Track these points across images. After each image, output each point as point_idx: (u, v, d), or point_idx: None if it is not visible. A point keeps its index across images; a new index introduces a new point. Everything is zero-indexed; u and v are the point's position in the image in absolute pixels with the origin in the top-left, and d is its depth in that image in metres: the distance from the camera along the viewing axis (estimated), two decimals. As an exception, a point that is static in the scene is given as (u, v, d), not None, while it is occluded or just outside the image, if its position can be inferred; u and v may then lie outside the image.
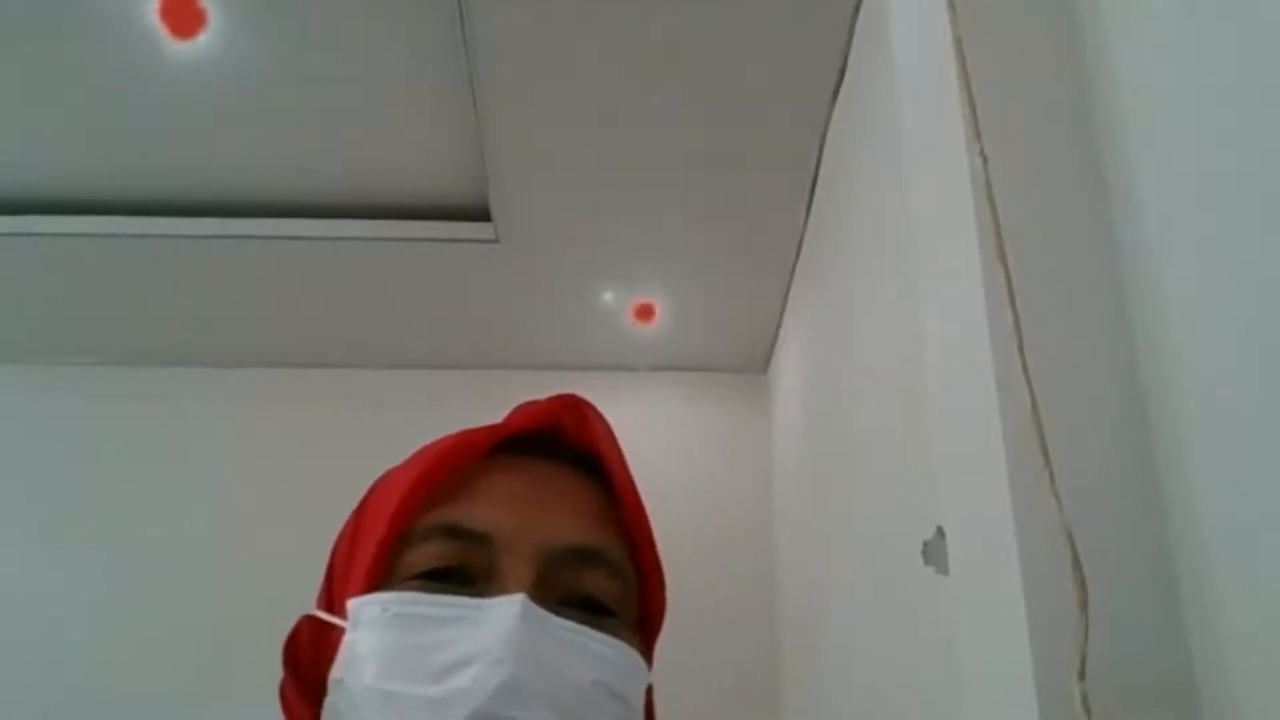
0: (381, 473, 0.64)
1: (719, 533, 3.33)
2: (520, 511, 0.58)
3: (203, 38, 2.28)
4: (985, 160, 0.93)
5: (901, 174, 1.53)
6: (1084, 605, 0.76)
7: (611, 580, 0.58)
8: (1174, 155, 0.85)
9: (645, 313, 3.30)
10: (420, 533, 0.57)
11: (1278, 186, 0.70)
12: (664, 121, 2.46)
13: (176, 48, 2.31)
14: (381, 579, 0.57)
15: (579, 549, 0.58)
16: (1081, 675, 0.74)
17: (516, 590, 0.54)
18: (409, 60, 2.37)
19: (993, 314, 0.90)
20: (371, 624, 0.55)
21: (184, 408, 3.49)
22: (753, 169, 2.60)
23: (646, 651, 0.60)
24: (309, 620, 0.59)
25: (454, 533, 0.57)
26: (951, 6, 1.02)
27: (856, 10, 2.12)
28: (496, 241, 2.87)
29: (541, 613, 0.53)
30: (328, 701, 0.56)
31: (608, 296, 3.21)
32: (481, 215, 2.81)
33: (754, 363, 3.56)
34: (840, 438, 2.32)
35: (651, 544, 0.63)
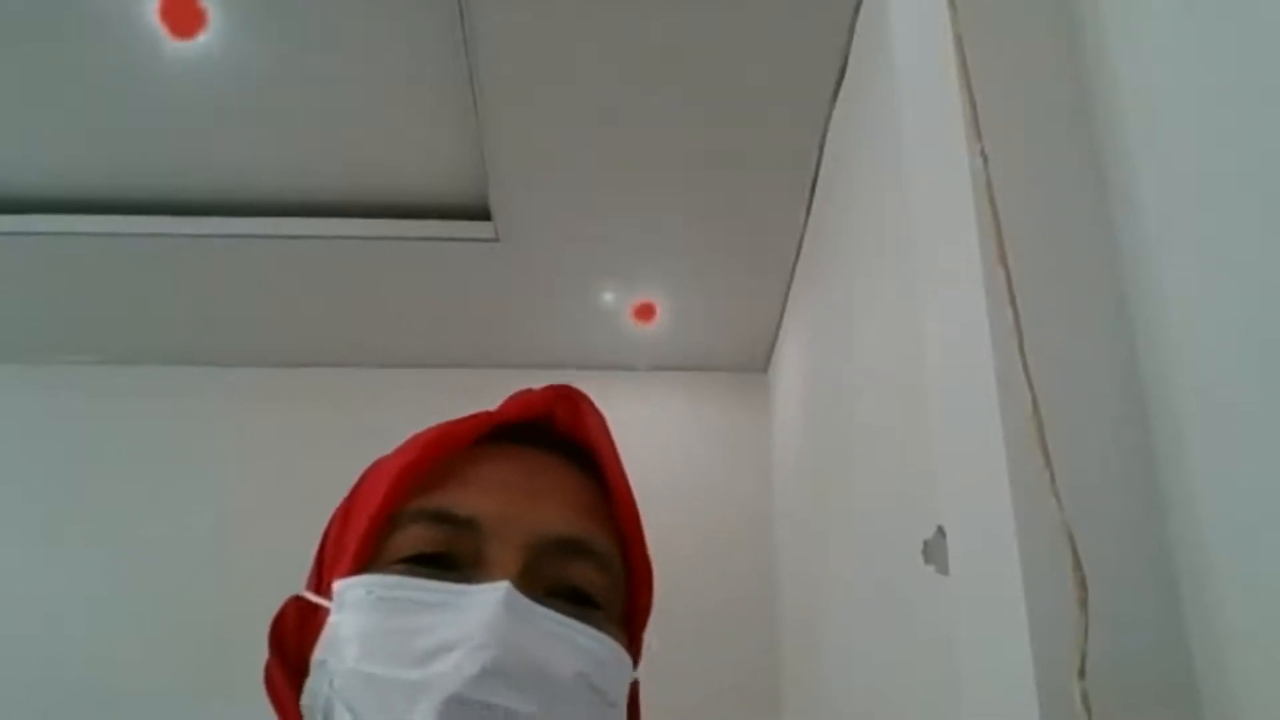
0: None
1: (719, 532, 3.33)
2: (509, 500, 0.57)
3: (203, 38, 2.28)
4: (985, 160, 0.94)
5: (901, 174, 1.53)
6: (1084, 604, 0.76)
7: (599, 573, 0.58)
8: (1174, 155, 0.85)
9: (645, 312, 3.30)
10: (408, 517, 0.57)
11: (1278, 186, 0.70)
12: (664, 121, 2.46)
13: (176, 48, 2.31)
14: (368, 562, 0.57)
15: (567, 540, 0.57)
16: (1081, 674, 0.74)
17: (502, 578, 0.54)
18: (409, 60, 2.37)
19: (993, 314, 0.90)
20: (356, 606, 0.54)
21: (185, 407, 3.49)
22: (753, 169, 2.60)
23: (632, 647, 0.60)
24: (296, 601, 0.59)
25: (441, 518, 0.57)
26: (952, 6, 1.02)
27: (856, 10, 2.12)
28: (496, 241, 2.87)
29: (526, 601, 0.53)
30: (308, 683, 0.56)
31: (608, 296, 3.21)
32: (481, 214, 2.81)
33: (754, 362, 3.56)
34: (840, 437, 2.32)
35: (641, 539, 0.62)
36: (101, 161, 2.71)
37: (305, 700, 0.56)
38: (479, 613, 0.52)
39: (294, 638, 0.58)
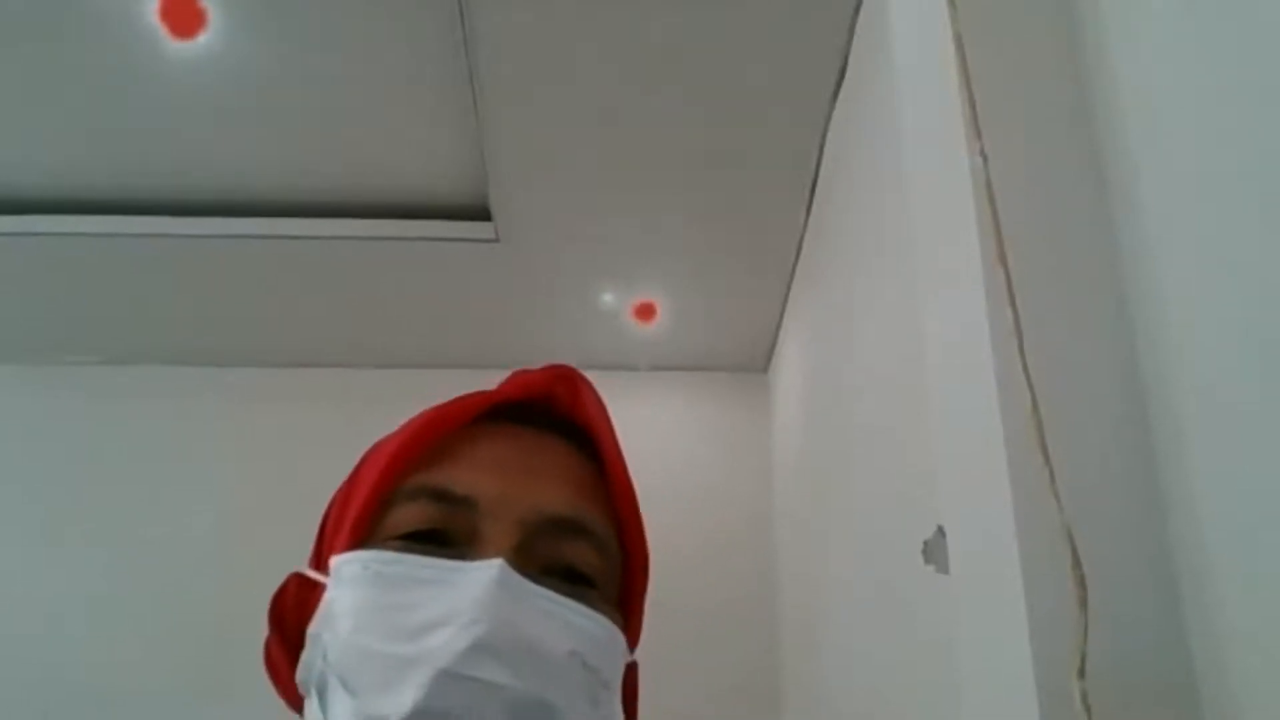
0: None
1: (719, 532, 3.33)
2: (506, 478, 0.58)
3: (203, 38, 2.28)
4: (985, 160, 0.94)
5: (901, 174, 1.53)
6: (1084, 604, 0.76)
7: (595, 553, 0.58)
8: (1174, 155, 0.85)
9: (645, 313, 3.30)
10: (406, 494, 0.58)
11: (1278, 186, 0.70)
12: (664, 121, 2.46)
13: (176, 48, 2.31)
14: (365, 538, 0.57)
15: (563, 519, 0.58)
16: (1081, 674, 0.74)
17: (496, 555, 0.54)
18: (409, 60, 2.37)
19: (993, 314, 0.90)
20: (352, 581, 0.55)
21: (185, 407, 3.49)
22: (753, 169, 2.60)
23: (628, 628, 0.60)
24: (297, 577, 0.59)
25: (438, 495, 0.57)
26: (952, 6, 1.02)
27: (856, 10, 2.12)
28: (496, 241, 2.87)
29: (519, 579, 0.53)
30: (303, 656, 0.56)
31: (608, 296, 3.21)
32: (481, 215, 2.81)
33: (754, 362, 3.56)
34: (840, 437, 2.32)
35: (637, 520, 0.62)
36: (102, 162, 2.71)
37: (300, 674, 0.56)
38: (472, 589, 0.52)
39: (293, 614, 0.58)
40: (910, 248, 1.38)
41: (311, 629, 0.56)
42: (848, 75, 2.26)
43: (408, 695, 0.49)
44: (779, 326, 3.31)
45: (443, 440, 0.59)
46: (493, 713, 0.50)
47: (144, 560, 3.27)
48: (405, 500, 0.57)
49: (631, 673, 0.60)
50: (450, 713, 0.49)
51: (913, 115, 1.28)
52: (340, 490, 0.62)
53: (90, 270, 3.04)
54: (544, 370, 0.64)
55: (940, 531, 1.22)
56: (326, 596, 0.56)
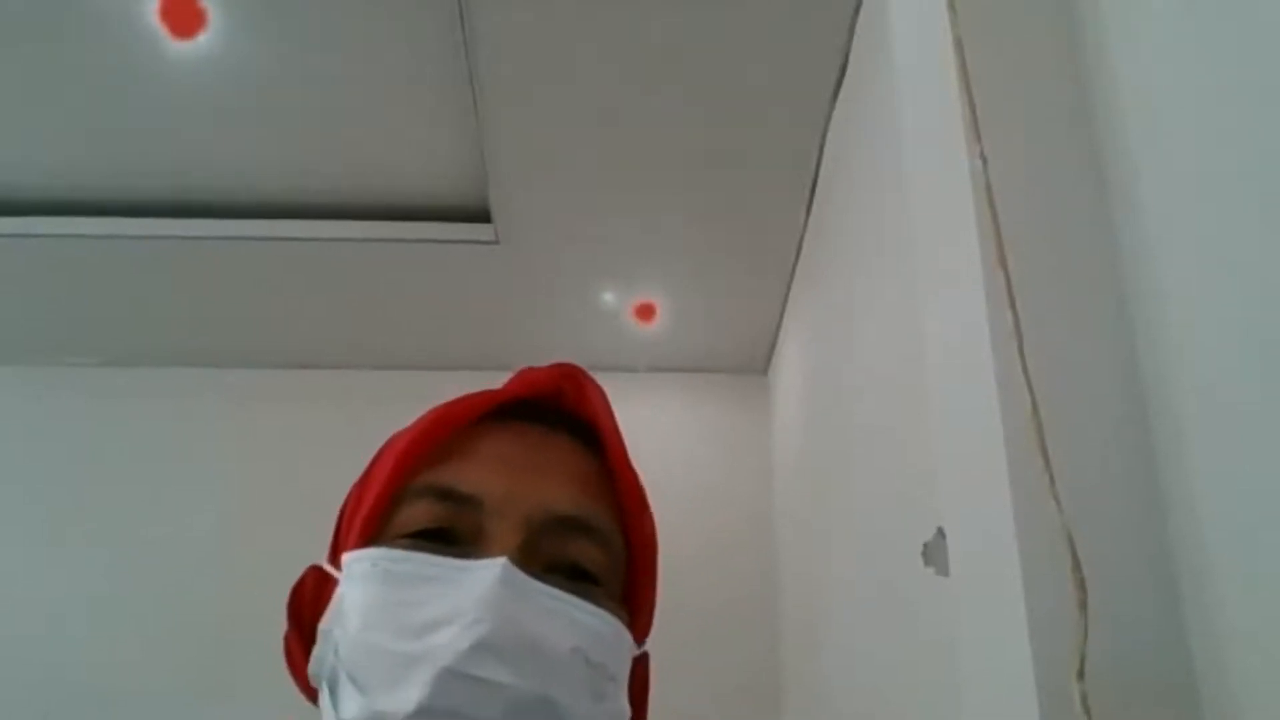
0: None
1: (720, 533, 3.33)
2: (512, 476, 0.58)
3: (203, 38, 2.28)
4: (985, 162, 0.93)
5: (901, 174, 1.53)
6: (1083, 605, 0.76)
7: (599, 550, 0.59)
8: (1174, 155, 0.85)
9: (645, 313, 3.30)
10: (414, 492, 0.58)
11: (1278, 186, 0.70)
12: (664, 121, 2.46)
13: (176, 48, 2.31)
14: (375, 535, 0.58)
15: (568, 517, 0.58)
16: (1081, 675, 0.74)
17: (501, 554, 0.54)
18: (409, 60, 2.37)
19: (992, 315, 0.90)
20: (361, 578, 0.56)
21: (185, 408, 3.49)
22: (753, 169, 2.60)
23: (635, 623, 0.61)
24: (315, 571, 0.60)
25: (444, 494, 0.58)
26: (951, 7, 1.02)
27: (856, 10, 2.12)
28: (496, 243, 2.87)
29: (522, 577, 0.54)
30: (315, 650, 0.57)
31: (608, 296, 3.21)
32: (481, 216, 2.81)
33: (754, 363, 3.56)
34: (840, 437, 2.32)
35: (642, 515, 0.63)
36: (102, 162, 2.71)
37: (312, 668, 0.57)
38: (475, 588, 0.53)
39: (310, 608, 0.59)
40: (910, 248, 1.38)
41: (323, 624, 0.57)
42: (848, 75, 2.26)
43: (412, 693, 0.50)
44: (779, 327, 3.31)
45: (451, 438, 0.60)
46: (495, 711, 0.51)
47: (145, 561, 3.27)
48: (414, 498, 0.58)
49: (641, 665, 0.61)
50: (453, 711, 0.50)
51: (913, 116, 1.28)
52: (355, 486, 0.63)
53: (91, 272, 3.04)
54: (550, 368, 0.65)
55: (940, 533, 1.22)
56: (338, 592, 0.57)
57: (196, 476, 3.40)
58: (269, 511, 3.31)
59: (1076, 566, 0.77)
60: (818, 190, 2.62)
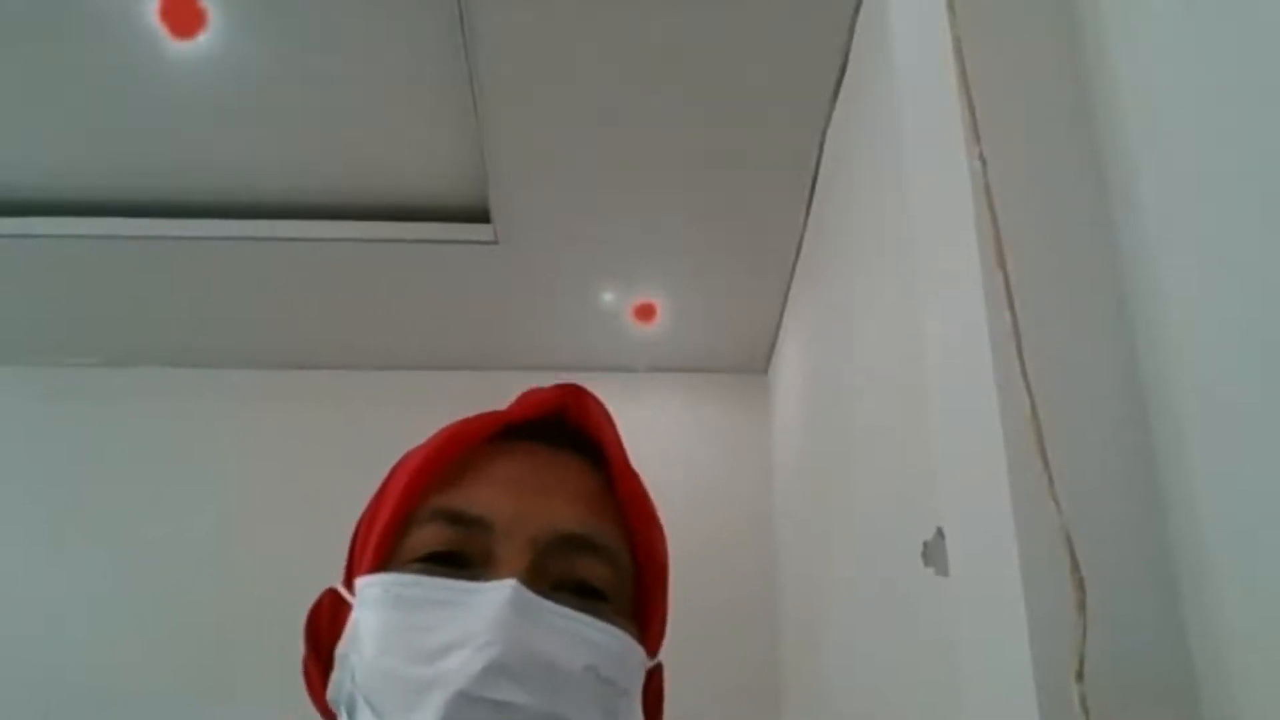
0: (398, 458, 0.66)
1: (720, 533, 3.33)
2: (519, 497, 0.59)
3: (203, 38, 2.28)
4: (984, 163, 0.93)
5: (901, 174, 1.53)
6: (1082, 606, 0.76)
7: (606, 567, 0.59)
8: (1174, 155, 0.85)
9: (645, 313, 3.30)
10: (423, 516, 0.59)
11: (1278, 186, 0.70)
12: (664, 121, 2.46)
13: (176, 48, 2.31)
14: (387, 560, 0.59)
15: (574, 536, 0.59)
16: (1080, 677, 0.74)
17: (510, 575, 0.55)
18: (409, 60, 2.37)
19: (992, 315, 0.90)
20: (375, 603, 0.57)
21: (186, 408, 3.49)
22: (753, 169, 2.60)
23: (647, 636, 0.61)
24: (331, 594, 0.61)
25: (453, 518, 0.58)
26: (951, 7, 1.02)
27: (856, 10, 2.12)
28: (496, 243, 2.87)
29: (532, 597, 0.55)
30: (334, 675, 0.58)
31: (608, 296, 3.21)
32: (481, 216, 2.81)
33: (754, 363, 3.56)
34: (840, 438, 2.32)
35: (650, 530, 0.63)
36: (101, 163, 2.71)
37: (330, 693, 0.58)
38: (486, 611, 0.53)
39: (327, 632, 0.60)
40: (910, 248, 1.38)
41: (340, 649, 0.58)
42: (848, 75, 2.26)
43: (428, 717, 0.51)
44: (779, 326, 3.31)
45: (458, 461, 0.61)
46: None
47: (145, 561, 3.27)
48: (424, 522, 0.59)
49: (655, 676, 0.62)
50: None
51: (912, 116, 1.28)
52: (368, 509, 0.64)
53: (91, 272, 3.04)
54: (553, 389, 0.66)
55: (940, 534, 1.22)
56: (353, 617, 0.58)
57: (196, 476, 3.40)
58: (269, 511, 3.31)
59: (1075, 567, 0.77)
60: (817, 190, 2.62)
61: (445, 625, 0.54)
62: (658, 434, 3.41)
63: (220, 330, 3.38)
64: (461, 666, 0.52)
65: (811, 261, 2.78)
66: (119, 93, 2.45)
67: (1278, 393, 0.70)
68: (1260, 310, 0.72)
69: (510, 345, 3.39)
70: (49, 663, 3.15)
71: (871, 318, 2.02)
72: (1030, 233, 0.93)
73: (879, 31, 1.91)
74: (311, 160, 2.70)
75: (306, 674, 0.60)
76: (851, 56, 2.21)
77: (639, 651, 0.59)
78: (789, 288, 3.09)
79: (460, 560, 0.57)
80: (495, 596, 0.54)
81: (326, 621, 0.60)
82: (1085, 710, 0.73)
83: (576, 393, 0.66)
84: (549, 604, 0.55)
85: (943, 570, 1.18)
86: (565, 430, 0.64)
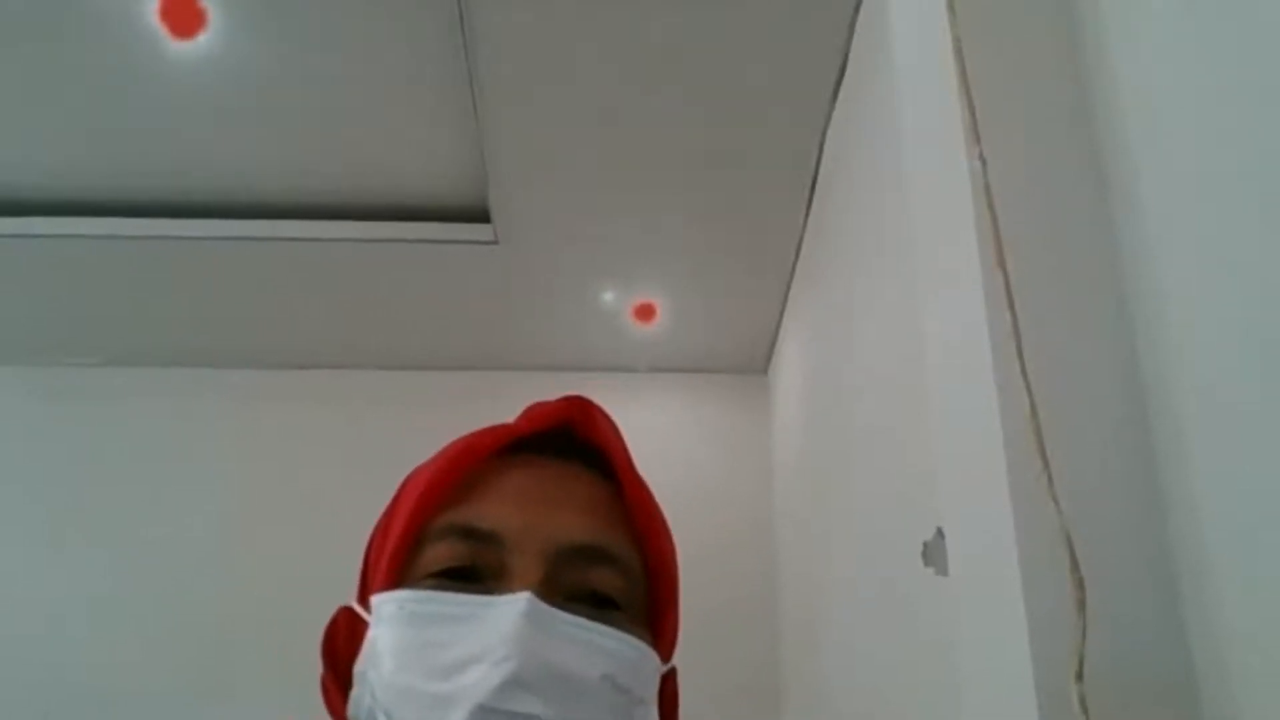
0: (405, 469, 0.67)
1: (720, 533, 3.33)
2: (529, 510, 0.59)
3: (203, 38, 2.28)
4: (984, 163, 0.93)
5: (901, 174, 1.53)
6: (1082, 606, 0.76)
7: (618, 576, 0.60)
8: (1174, 155, 0.85)
9: (645, 313, 3.30)
10: (435, 532, 0.60)
11: (1278, 186, 0.70)
12: (664, 121, 2.46)
13: (176, 48, 2.31)
14: (401, 576, 0.59)
15: (586, 547, 0.59)
16: (1079, 677, 0.74)
17: (523, 588, 0.56)
18: (409, 60, 2.37)
19: (992, 315, 0.90)
20: (391, 620, 0.57)
21: (185, 408, 3.49)
22: (753, 169, 2.60)
23: (660, 642, 0.62)
24: (346, 612, 0.62)
25: (465, 533, 0.59)
26: (951, 7, 1.02)
27: (856, 10, 2.12)
28: (496, 243, 2.87)
29: (546, 609, 0.55)
30: (353, 693, 0.59)
31: (608, 296, 3.21)
32: (481, 216, 2.81)
33: (754, 363, 3.56)
34: (840, 438, 2.32)
35: (659, 537, 0.64)
36: (101, 163, 2.71)
37: (351, 711, 0.59)
38: (501, 624, 0.54)
39: (345, 650, 0.61)
40: (910, 248, 1.38)
41: (358, 667, 0.59)
42: (848, 75, 2.26)
43: None
44: (779, 326, 3.31)
45: (467, 476, 0.62)
46: None
47: (145, 561, 3.27)
48: (435, 538, 0.60)
49: (670, 681, 0.62)
50: None
51: (912, 116, 1.28)
52: (379, 526, 0.65)
53: (91, 272, 3.04)
54: (559, 401, 0.66)
55: (940, 534, 1.22)
56: (370, 635, 0.59)
57: (196, 477, 3.40)
58: (269, 511, 3.31)
59: (1075, 567, 0.77)
60: (817, 190, 2.62)
61: (461, 640, 0.54)
62: (658, 434, 3.41)
63: (220, 330, 3.38)
64: (479, 681, 0.52)
65: (811, 261, 2.78)
66: (119, 93, 2.45)
67: (1278, 393, 0.70)
68: (1260, 310, 0.72)
69: (510, 345, 3.40)
70: (49, 663, 3.15)
71: (871, 318, 2.02)
72: (1030, 233, 0.93)
73: (879, 31, 1.91)
74: (311, 160, 2.70)
75: (325, 691, 0.61)
76: (851, 56, 2.21)
77: (654, 659, 0.60)
78: (789, 288, 3.09)
79: (473, 575, 0.58)
80: (510, 610, 0.54)
81: (343, 639, 0.61)
82: (1085, 710, 0.73)
83: (582, 404, 0.66)
84: (563, 615, 0.56)
85: (943, 570, 1.18)
86: (572, 442, 0.65)
